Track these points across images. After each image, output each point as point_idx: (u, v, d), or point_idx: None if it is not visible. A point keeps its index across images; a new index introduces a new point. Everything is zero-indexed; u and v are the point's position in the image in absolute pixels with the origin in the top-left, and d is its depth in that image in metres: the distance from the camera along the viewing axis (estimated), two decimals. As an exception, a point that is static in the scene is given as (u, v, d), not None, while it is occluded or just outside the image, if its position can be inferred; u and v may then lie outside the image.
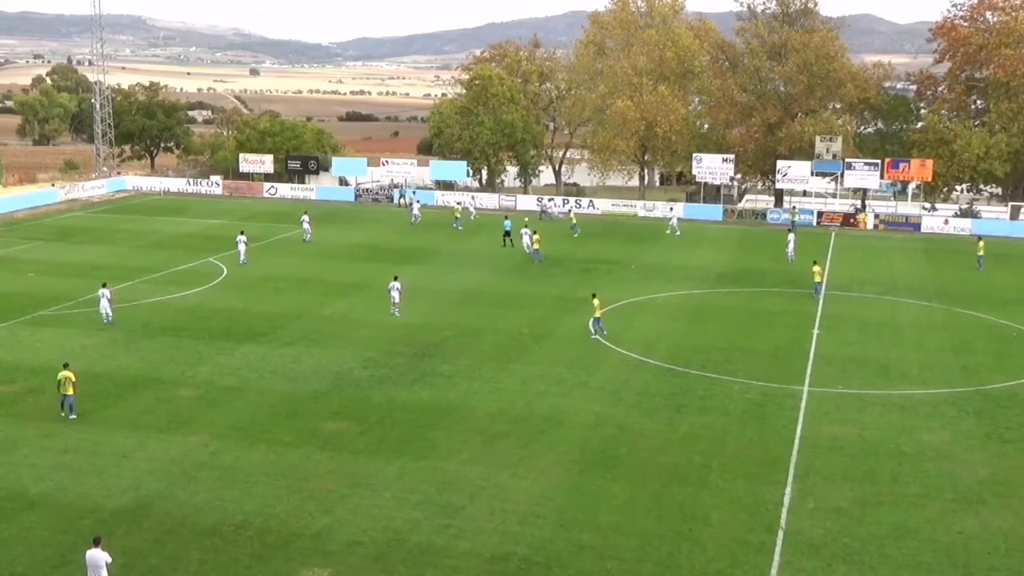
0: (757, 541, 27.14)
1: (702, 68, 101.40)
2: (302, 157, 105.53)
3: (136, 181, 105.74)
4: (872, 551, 26.67)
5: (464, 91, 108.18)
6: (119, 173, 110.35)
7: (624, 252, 71.16)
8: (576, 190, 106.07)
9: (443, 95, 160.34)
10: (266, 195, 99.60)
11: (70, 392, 35.91)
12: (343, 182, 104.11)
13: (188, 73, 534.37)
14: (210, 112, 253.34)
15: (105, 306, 49.36)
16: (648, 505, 29.24)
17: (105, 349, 44.93)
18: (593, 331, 47.55)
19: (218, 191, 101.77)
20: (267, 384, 40.17)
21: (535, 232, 68.31)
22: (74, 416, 35.69)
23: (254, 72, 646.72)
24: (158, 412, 36.74)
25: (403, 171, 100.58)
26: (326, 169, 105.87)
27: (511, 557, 26.19)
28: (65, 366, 36.68)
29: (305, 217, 74.82)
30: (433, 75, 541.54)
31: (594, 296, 48.36)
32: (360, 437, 34.41)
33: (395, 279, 52.48)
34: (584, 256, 69.25)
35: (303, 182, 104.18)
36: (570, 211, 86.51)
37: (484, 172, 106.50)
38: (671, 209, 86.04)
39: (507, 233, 72.47)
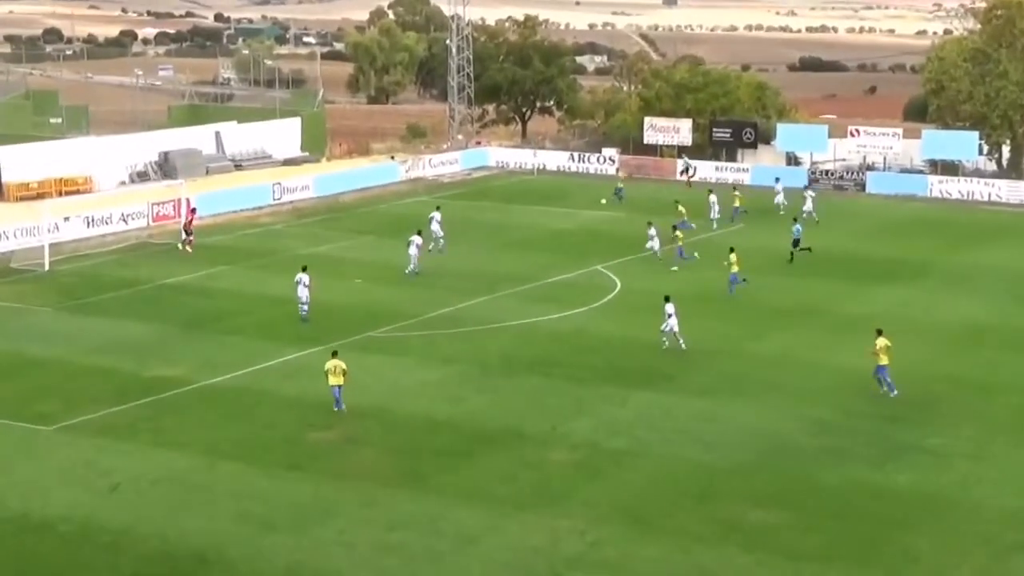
0: None
1: None
2: (733, 123, 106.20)
3: (501, 154, 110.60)
4: None
5: (978, 26, 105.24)
6: (479, 143, 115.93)
7: None
8: None
9: (946, 32, 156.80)
10: (679, 177, 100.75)
11: (341, 382, 43.31)
12: (792, 160, 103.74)
13: (577, 3, 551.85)
14: (606, 58, 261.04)
15: (304, 294, 55.35)
16: None
17: (451, 387, 47.15)
18: (881, 386, 45.80)
19: (612, 171, 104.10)
20: (671, 450, 40.77)
21: (731, 251, 62.92)
22: (342, 408, 43.18)
23: (669, 1, 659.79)
24: (519, 480, 38.09)
25: (881, 144, 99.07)
26: (767, 141, 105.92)
27: None
28: (334, 354, 44.01)
29: (435, 215, 71.95)
30: (932, 2, 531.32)
31: (879, 333, 46.07)
32: (803, 536, 34.24)
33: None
34: None
35: (733, 159, 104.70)
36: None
37: (1006, 149, 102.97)
38: None
39: (796, 242, 69.20)
